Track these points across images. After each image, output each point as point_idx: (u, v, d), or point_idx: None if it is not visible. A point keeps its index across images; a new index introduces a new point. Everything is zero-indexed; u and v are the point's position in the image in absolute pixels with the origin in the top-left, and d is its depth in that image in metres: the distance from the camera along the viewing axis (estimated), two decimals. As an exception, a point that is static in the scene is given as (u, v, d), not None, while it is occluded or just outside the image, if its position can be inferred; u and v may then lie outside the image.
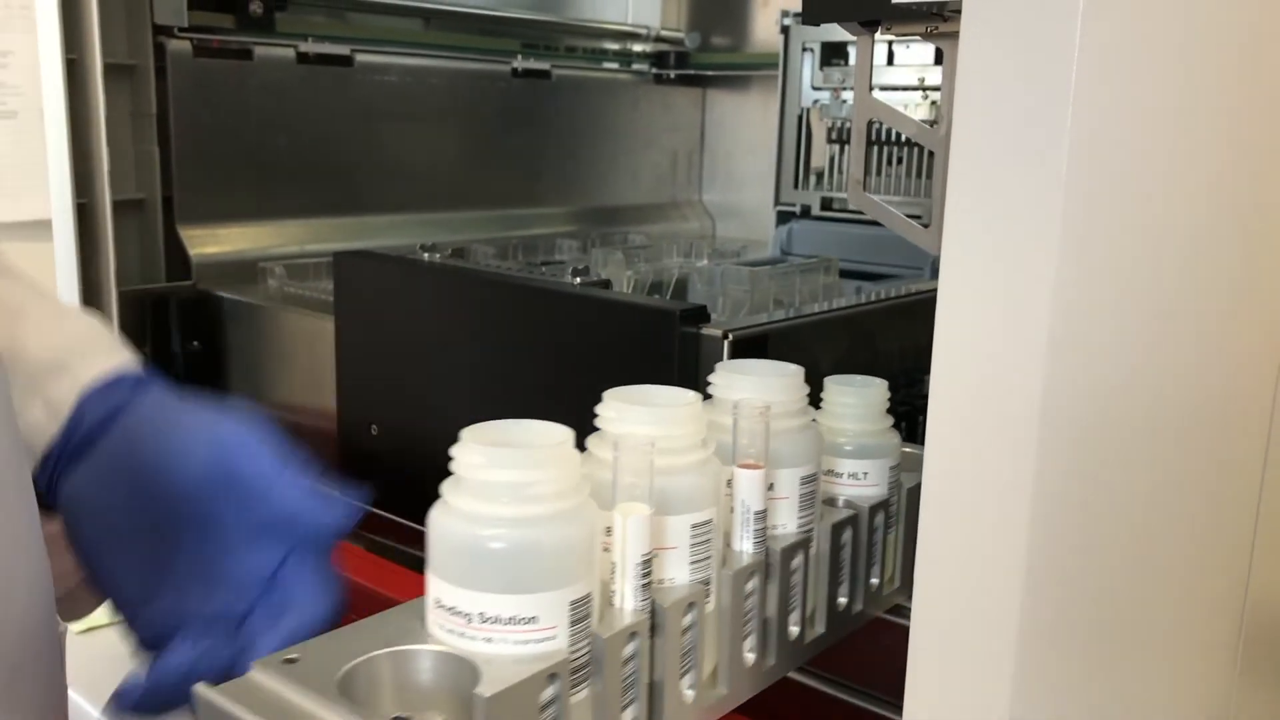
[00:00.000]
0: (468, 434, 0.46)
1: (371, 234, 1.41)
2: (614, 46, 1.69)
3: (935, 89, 1.32)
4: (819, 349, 0.90)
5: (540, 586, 0.43)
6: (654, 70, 1.73)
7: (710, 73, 1.73)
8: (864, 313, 0.96)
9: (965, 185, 0.52)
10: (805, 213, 1.45)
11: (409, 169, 1.45)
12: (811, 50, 1.42)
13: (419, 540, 0.47)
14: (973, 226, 0.52)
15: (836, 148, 1.42)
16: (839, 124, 1.40)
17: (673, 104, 1.77)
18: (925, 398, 0.55)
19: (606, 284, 0.94)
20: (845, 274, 1.22)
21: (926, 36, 0.70)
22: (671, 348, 0.79)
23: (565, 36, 1.62)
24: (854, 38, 1.38)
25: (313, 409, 1.10)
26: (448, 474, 0.47)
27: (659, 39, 1.73)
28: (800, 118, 1.44)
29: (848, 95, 1.39)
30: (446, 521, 0.45)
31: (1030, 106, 0.48)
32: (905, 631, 0.53)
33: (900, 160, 1.38)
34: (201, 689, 0.42)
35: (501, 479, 0.44)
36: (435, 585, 0.44)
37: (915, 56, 1.34)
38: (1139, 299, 0.50)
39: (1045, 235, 0.49)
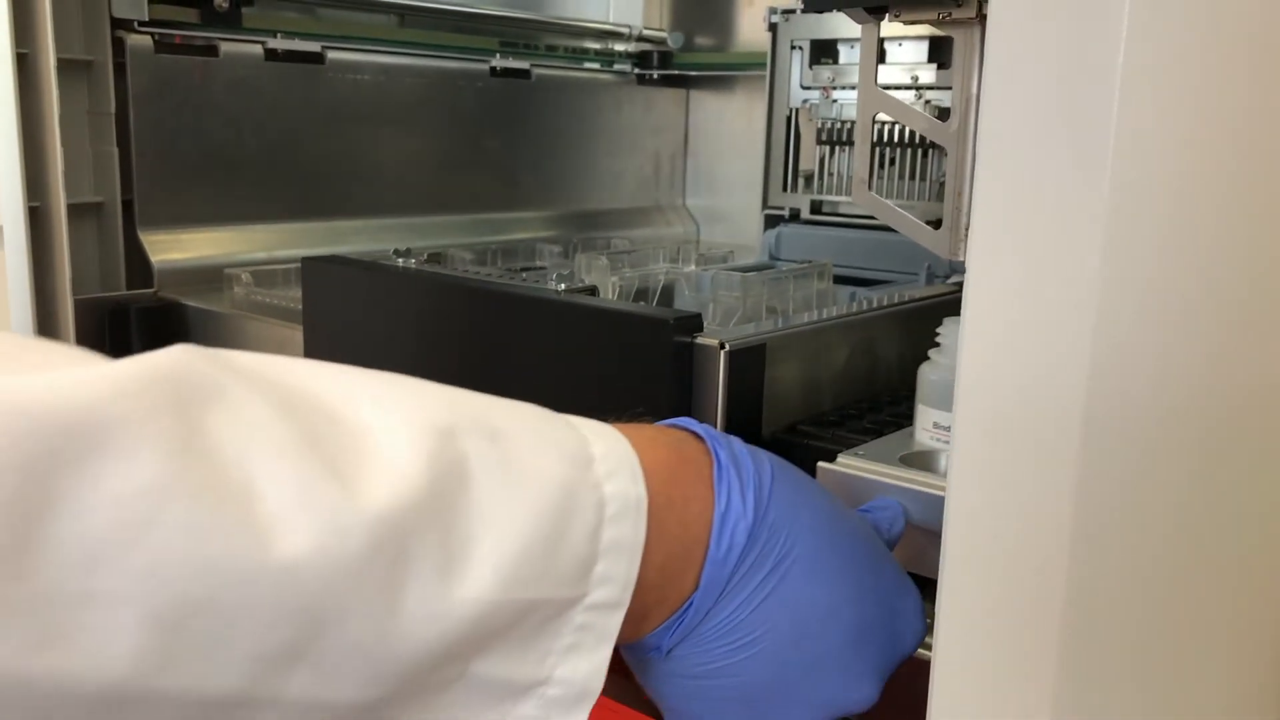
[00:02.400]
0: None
1: (342, 239, 1.35)
2: (595, 46, 1.64)
3: (929, 88, 1.27)
4: (817, 358, 0.85)
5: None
6: (637, 70, 1.68)
7: (694, 73, 1.69)
8: (862, 320, 0.92)
9: (996, 186, 0.47)
10: (795, 216, 1.40)
11: (382, 172, 1.40)
12: (800, 48, 1.37)
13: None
14: (1006, 228, 0.47)
15: (826, 149, 1.37)
16: (829, 125, 1.35)
17: (655, 105, 1.72)
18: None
19: (593, 291, 0.88)
20: (839, 279, 1.17)
21: (937, 23, 0.65)
22: (664, 358, 0.74)
23: (545, 35, 1.57)
24: (848, 35, 1.35)
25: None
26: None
27: (641, 38, 1.68)
28: (789, 118, 1.39)
29: (838, 95, 1.35)
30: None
31: (1072, 100, 0.43)
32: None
33: (893, 161, 1.33)
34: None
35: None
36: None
37: (907, 55, 1.29)
38: (1181, 298, 0.45)
39: (1089, 236, 0.44)
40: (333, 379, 0.42)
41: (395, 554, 0.36)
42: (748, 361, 0.76)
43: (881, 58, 1.32)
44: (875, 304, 0.96)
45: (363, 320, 0.94)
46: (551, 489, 0.41)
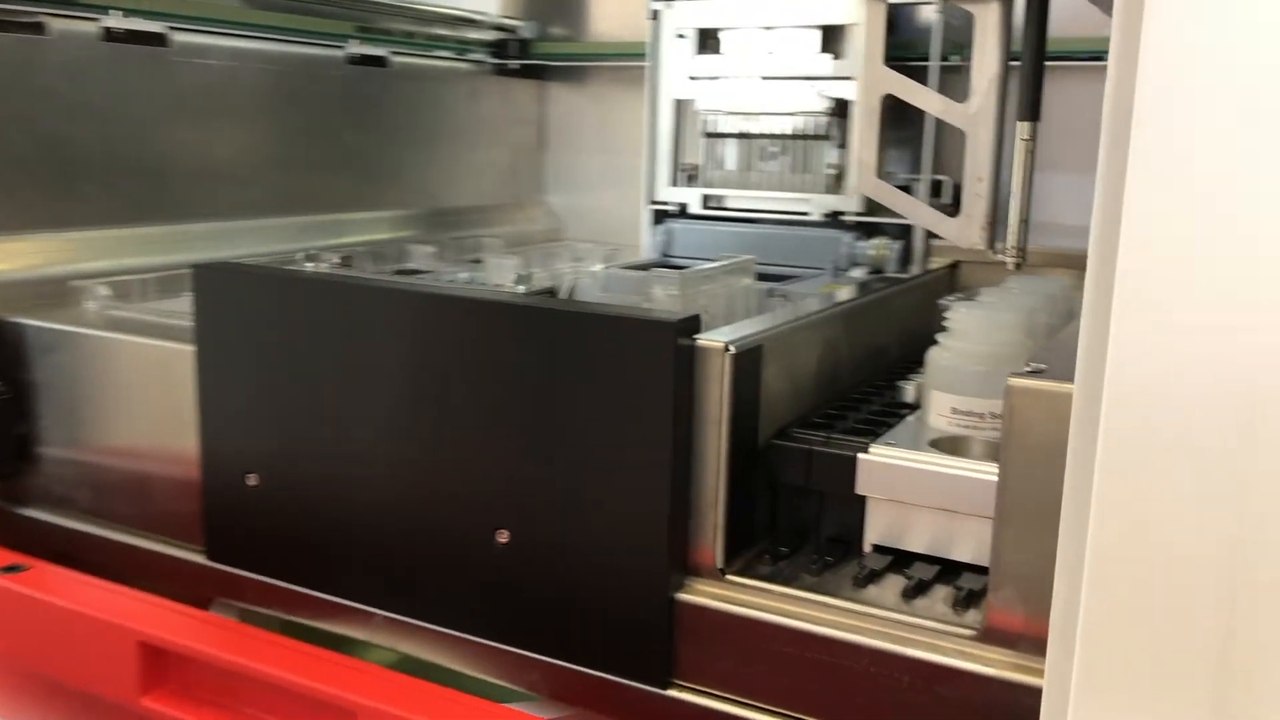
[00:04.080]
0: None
1: (188, 245, 1.20)
2: (449, 33, 1.54)
3: (821, 78, 1.25)
4: (797, 358, 0.81)
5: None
6: (494, 60, 1.59)
7: (556, 63, 1.61)
8: (846, 312, 0.88)
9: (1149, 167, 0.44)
10: (684, 211, 1.35)
11: (233, 169, 1.25)
12: (685, 37, 1.32)
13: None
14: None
15: (716, 142, 1.33)
16: (718, 117, 1.31)
17: (514, 97, 1.63)
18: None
19: (551, 293, 0.80)
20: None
21: (960, 1, 0.62)
22: (666, 362, 0.67)
23: (396, 20, 1.45)
24: (734, 24, 1.31)
25: (164, 455, 0.90)
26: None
27: (497, 26, 1.59)
28: (674, 110, 1.35)
29: (726, 85, 1.31)
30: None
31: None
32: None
33: (774, 156, 1.31)
34: None
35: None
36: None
37: (798, 46, 1.27)
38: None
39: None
40: None
41: None
42: (747, 363, 0.71)
43: (770, 46, 1.30)
44: (849, 297, 0.92)
45: (276, 336, 0.82)
46: None
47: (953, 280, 1.18)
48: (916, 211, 0.68)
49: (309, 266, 0.85)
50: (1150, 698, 0.46)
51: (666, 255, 1.35)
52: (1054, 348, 0.68)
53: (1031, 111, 0.62)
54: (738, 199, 1.33)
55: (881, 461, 0.70)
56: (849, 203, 1.26)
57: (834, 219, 1.27)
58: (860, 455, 0.71)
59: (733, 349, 0.68)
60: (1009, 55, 0.62)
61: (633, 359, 0.68)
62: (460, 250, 1.46)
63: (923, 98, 0.67)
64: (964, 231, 0.66)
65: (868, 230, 1.25)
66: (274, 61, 1.27)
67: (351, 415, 0.80)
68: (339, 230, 1.38)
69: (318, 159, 1.36)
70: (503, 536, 0.74)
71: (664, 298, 0.98)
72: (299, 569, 0.84)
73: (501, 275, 1.05)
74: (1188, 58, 0.41)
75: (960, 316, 0.77)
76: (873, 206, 1.26)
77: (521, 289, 0.76)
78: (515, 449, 0.73)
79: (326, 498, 0.82)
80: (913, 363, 1.00)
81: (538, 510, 0.73)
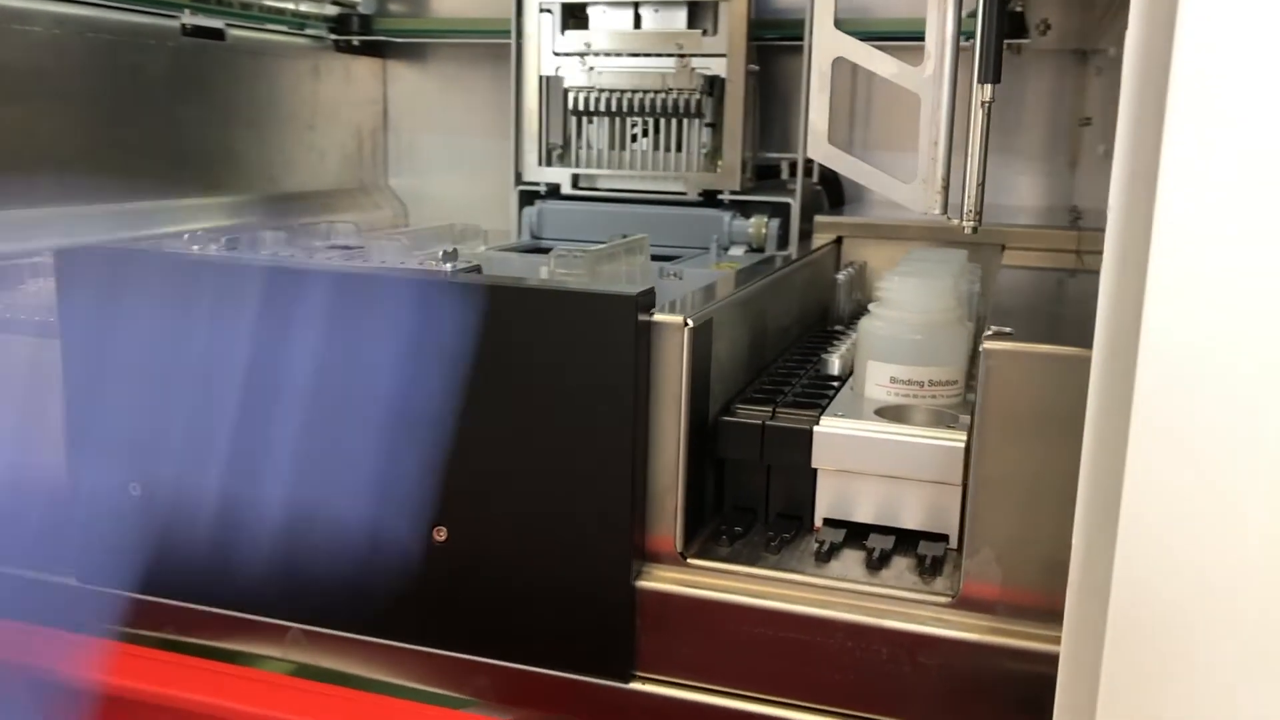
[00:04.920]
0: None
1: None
2: (288, 5, 1.44)
3: (692, 55, 1.24)
4: (741, 329, 0.79)
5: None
6: (334, 36, 1.50)
7: (400, 39, 1.53)
8: (766, 287, 0.87)
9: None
10: (555, 192, 1.31)
11: (51, 150, 1.12)
12: (550, 12, 1.28)
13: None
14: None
15: (584, 120, 1.30)
16: (586, 94, 1.28)
17: (356, 75, 1.54)
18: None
19: (477, 269, 0.75)
20: None
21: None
22: (627, 337, 0.64)
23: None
24: (597, 1, 1.28)
25: (22, 464, 0.80)
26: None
27: (336, 1, 1.50)
28: (539, 88, 1.30)
29: (594, 62, 1.28)
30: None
31: None
32: None
33: (647, 130, 1.29)
34: None
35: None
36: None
37: (666, 22, 1.25)
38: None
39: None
40: None
41: None
42: (702, 339, 0.68)
43: (638, 23, 1.27)
44: (770, 269, 0.90)
45: (159, 328, 0.73)
46: None
47: (838, 255, 1.19)
48: (870, 177, 0.67)
49: (196, 249, 0.76)
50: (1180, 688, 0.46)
51: (537, 238, 1.31)
52: (1003, 313, 0.69)
53: (993, 74, 0.62)
54: (609, 179, 1.30)
55: (837, 433, 0.69)
56: (725, 181, 1.25)
57: (710, 198, 1.26)
58: (816, 428, 0.69)
59: (690, 323, 0.65)
60: (961, 18, 0.62)
61: (591, 335, 0.64)
62: (311, 235, 1.37)
63: (876, 61, 0.66)
64: (919, 197, 0.66)
65: (744, 209, 1.24)
66: (104, 30, 1.15)
67: (256, 409, 0.72)
68: (172, 217, 1.26)
69: (149, 139, 1.24)
70: (440, 534, 0.69)
71: (568, 278, 0.94)
72: (195, 584, 0.76)
73: (396, 254, 0.98)
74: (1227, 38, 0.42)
75: (894, 285, 0.77)
76: (748, 187, 1.26)
77: (449, 267, 0.71)
78: (453, 437, 0.68)
79: (227, 502, 0.74)
80: (815, 337, 1.00)
81: (480, 503, 0.68)
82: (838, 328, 1.04)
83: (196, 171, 1.30)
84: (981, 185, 0.65)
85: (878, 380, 0.76)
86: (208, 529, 0.75)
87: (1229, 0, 0.41)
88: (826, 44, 0.65)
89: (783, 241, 1.23)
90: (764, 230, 1.22)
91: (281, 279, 0.71)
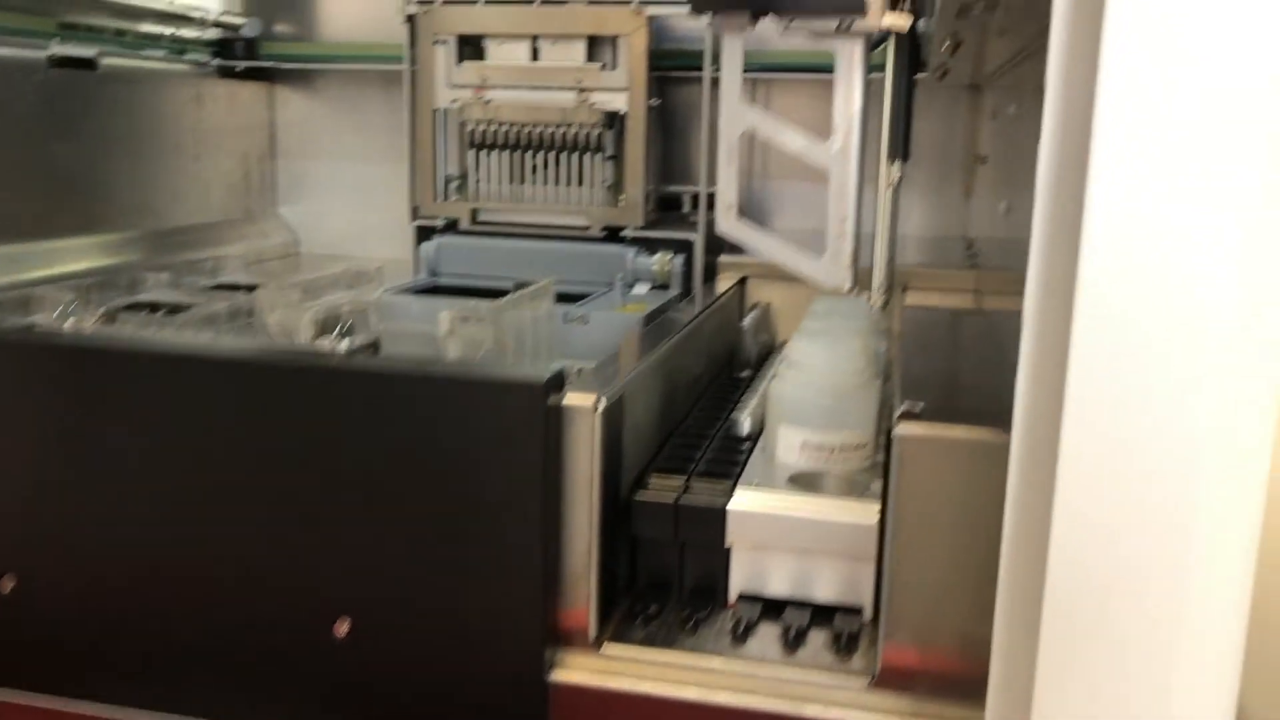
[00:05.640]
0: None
1: None
2: (165, 30, 1.37)
3: (591, 89, 1.22)
4: (652, 393, 0.77)
5: None
6: (218, 61, 1.44)
7: (287, 65, 1.48)
8: (676, 344, 0.85)
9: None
10: (453, 227, 1.28)
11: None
12: (445, 44, 1.24)
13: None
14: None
15: (483, 154, 1.27)
16: (484, 127, 1.25)
17: (241, 101, 1.48)
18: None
19: (374, 347, 0.72)
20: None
21: (829, 35, 0.60)
22: (534, 426, 0.62)
23: (102, 15, 1.28)
24: (499, 30, 1.25)
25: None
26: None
27: (218, 24, 1.43)
28: (435, 120, 1.27)
29: (492, 95, 1.25)
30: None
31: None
32: None
33: (547, 165, 1.26)
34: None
35: None
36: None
37: (564, 56, 1.23)
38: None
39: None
40: None
41: None
42: (614, 416, 0.66)
43: (535, 55, 1.25)
44: (674, 329, 0.88)
45: (31, 412, 0.68)
46: None
47: (742, 296, 1.18)
48: (779, 253, 0.66)
49: (68, 325, 0.71)
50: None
51: (435, 274, 1.27)
52: (911, 381, 0.68)
53: (902, 151, 0.61)
54: (509, 212, 1.28)
55: (751, 512, 0.68)
56: (628, 217, 1.23)
57: (613, 234, 1.24)
58: (729, 507, 0.68)
59: (603, 403, 0.63)
60: (869, 91, 0.61)
61: (498, 423, 0.62)
62: (196, 273, 1.31)
63: (784, 136, 0.65)
64: (830, 272, 0.65)
65: (648, 245, 1.23)
66: (-38, 65, 1.08)
67: (139, 500, 0.68)
68: (46, 260, 1.19)
69: (18, 178, 1.16)
70: (342, 629, 0.66)
71: (473, 333, 0.91)
72: (73, 681, 0.71)
73: (286, 311, 0.94)
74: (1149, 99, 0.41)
75: (804, 348, 0.76)
76: (651, 222, 1.25)
77: (344, 345, 0.67)
78: (354, 527, 0.65)
79: (112, 595, 0.69)
80: (724, 385, 0.99)
81: (384, 594, 0.65)
82: (745, 372, 1.04)
83: (72, 210, 1.23)
84: (891, 261, 0.64)
85: (789, 444, 0.75)
86: (90, 623, 0.70)
87: (1146, 82, 0.41)
88: (734, 117, 0.64)
89: (687, 278, 1.22)
90: (668, 267, 1.21)
91: (165, 365, 0.66)
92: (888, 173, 0.64)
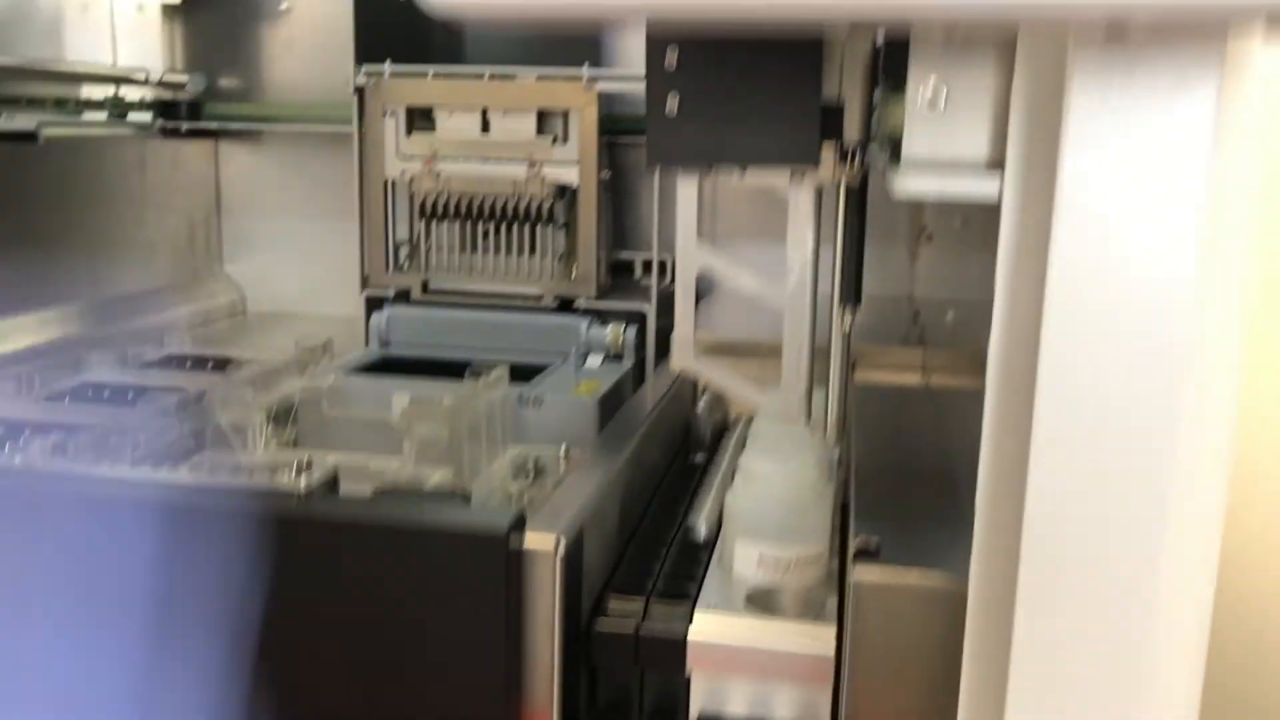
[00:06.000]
0: None
1: None
2: (107, 92, 1.35)
3: (542, 162, 1.22)
4: (612, 507, 0.78)
5: None
6: (161, 123, 1.42)
7: (233, 126, 1.46)
8: (635, 448, 0.86)
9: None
10: (405, 297, 1.27)
11: None
12: (394, 115, 1.24)
13: None
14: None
15: (434, 224, 1.26)
16: (435, 198, 1.25)
17: (185, 159, 1.46)
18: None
19: (333, 484, 0.72)
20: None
21: (791, 181, 0.61)
22: (497, 575, 0.62)
23: (40, 83, 1.25)
24: (448, 101, 1.24)
25: None
26: None
27: (161, 84, 1.41)
28: (385, 190, 1.26)
29: (442, 166, 1.24)
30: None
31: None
32: None
33: (499, 233, 1.26)
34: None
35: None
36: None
37: (514, 128, 1.23)
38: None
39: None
40: None
41: None
42: (575, 549, 0.67)
43: (485, 127, 1.25)
44: (632, 429, 0.89)
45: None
46: None
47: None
48: (736, 387, 0.67)
49: (18, 459, 0.70)
50: None
51: (387, 344, 1.27)
52: (865, 508, 0.70)
53: (854, 296, 0.62)
54: (461, 281, 1.27)
55: (710, 643, 0.69)
56: (581, 288, 1.24)
57: (566, 304, 1.24)
58: (689, 637, 0.69)
59: (563, 545, 0.64)
60: (819, 234, 0.62)
61: (459, 572, 0.62)
62: (143, 342, 1.30)
63: (738, 276, 0.66)
64: (784, 406, 0.66)
65: (601, 315, 1.23)
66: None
67: (86, 643, 0.67)
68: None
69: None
70: (303, 768, 0.66)
71: (429, 430, 0.91)
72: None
73: (238, 409, 0.93)
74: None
75: (758, 463, 0.77)
76: (604, 292, 1.25)
77: (302, 483, 0.67)
78: (310, 673, 0.65)
79: (65, 736, 0.69)
80: (680, 476, 1.00)
81: (346, 735, 0.65)
82: (699, 456, 1.05)
83: (13, 285, 1.21)
84: (843, 401, 0.65)
85: (746, 558, 0.76)
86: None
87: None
88: (689, 258, 0.65)
89: (639, 349, 1.23)
90: (621, 339, 1.22)
91: (118, 502, 0.66)
92: (839, 319, 0.65)
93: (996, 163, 0.45)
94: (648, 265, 1.29)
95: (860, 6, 0.33)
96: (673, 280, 1.30)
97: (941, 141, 0.46)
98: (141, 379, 1.17)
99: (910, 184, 0.45)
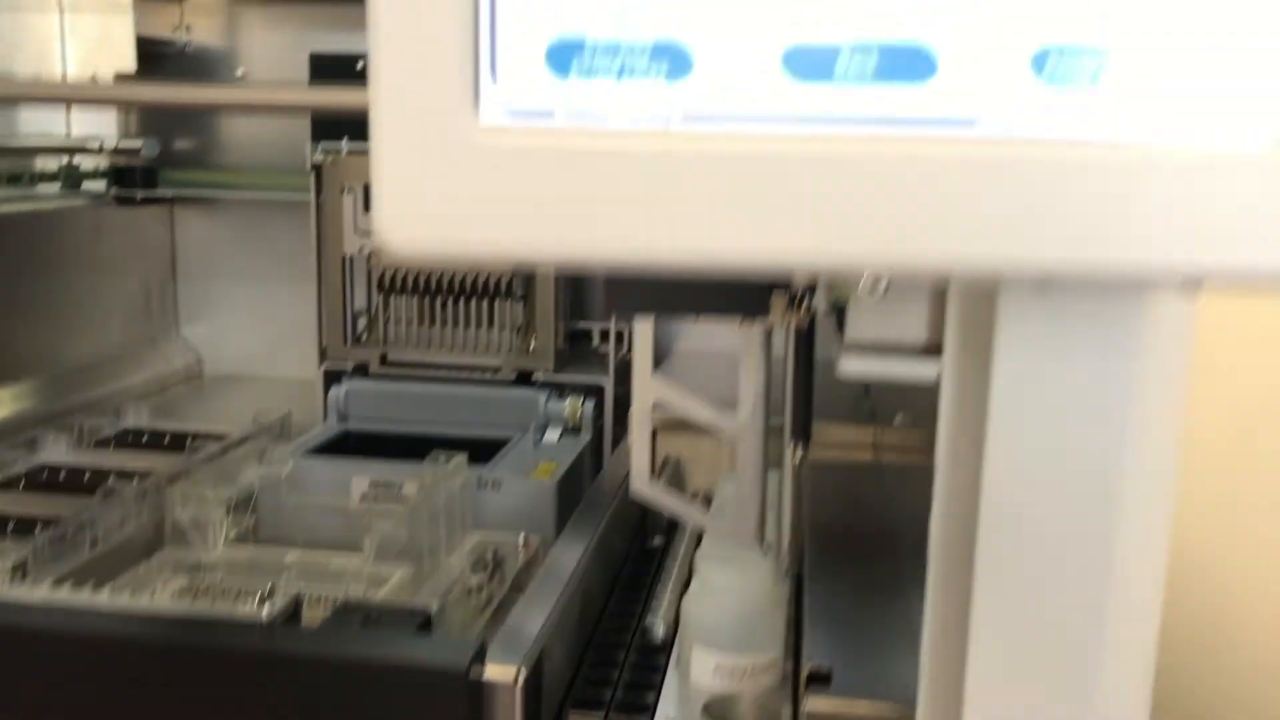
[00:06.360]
0: None
1: None
2: (60, 163, 1.35)
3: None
4: (570, 617, 0.79)
5: None
6: (116, 191, 1.41)
7: (189, 193, 1.46)
8: (595, 548, 0.87)
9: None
10: (363, 370, 1.28)
11: None
12: (352, 193, 1.24)
13: None
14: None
15: (392, 296, 1.27)
16: (393, 272, 1.25)
17: (141, 225, 1.46)
18: None
19: (295, 614, 0.72)
20: (440, 442, 1.07)
21: (741, 325, 0.63)
22: (459, 709, 0.63)
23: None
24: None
25: None
26: None
27: (116, 151, 1.41)
28: (344, 265, 1.27)
29: (400, 241, 1.25)
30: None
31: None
32: None
33: (457, 305, 1.27)
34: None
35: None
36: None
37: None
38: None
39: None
40: None
41: None
42: (535, 676, 0.68)
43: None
44: (593, 521, 0.90)
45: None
46: None
47: (654, 449, 1.21)
48: (690, 513, 0.69)
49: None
50: None
51: (345, 418, 1.27)
52: (817, 623, 0.71)
53: (803, 434, 0.65)
54: (420, 354, 1.28)
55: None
56: (539, 361, 1.25)
57: (524, 377, 1.26)
58: (658, 759, 0.71)
59: (523, 674, 0.65)
60: (769, 371, 0.64)
61: (418, 706, 0.63)
62: (98, 415, 1.29)
63: (692, 409, 0.67)
64: (737, 533, 0.68)
65: (559, 388, 1.25)
66: None
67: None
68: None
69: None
70: None
71: (388, 531, 0.92)
72: None
73: (199, 505, 0.94)
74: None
75: (714, 570, 0.79)
76: (562, 365, 1.26)
77: (265, 611, 0.68)
78: (278, 803, 0.65)
79: None
80: (638, 565, 1.01)
81: None
82: (657, 540, 1.06)
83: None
84: (796, 529, 0.67)
85: (703, 666, 0.78)
86: None
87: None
88: (644, 391, 0.67)
89: (598, 420, 1.24)
90: (579, 412, 1.23)
91: (68, 642, 0.66)
92: (790, 455, 0.67)
93: (935, 347, 0.47)
94: (604, 334, 1.31)
95: (804, 260, 0.35)
96: (629, 350, 1.33)
97: (883, 326, 0.48)
98: (98, 460, 1.17)
99: (854, 366, 0.47)
